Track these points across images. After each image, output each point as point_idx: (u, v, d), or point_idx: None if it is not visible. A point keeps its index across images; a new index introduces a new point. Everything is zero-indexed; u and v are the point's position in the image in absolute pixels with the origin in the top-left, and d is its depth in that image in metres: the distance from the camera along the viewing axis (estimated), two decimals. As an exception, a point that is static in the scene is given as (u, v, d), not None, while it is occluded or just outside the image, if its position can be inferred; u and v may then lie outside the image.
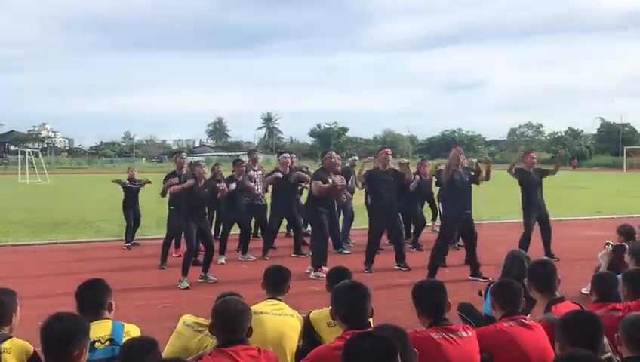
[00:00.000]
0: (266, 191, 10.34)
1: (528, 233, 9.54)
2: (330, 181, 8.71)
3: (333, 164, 9.00)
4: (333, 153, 9.38)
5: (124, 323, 3.39)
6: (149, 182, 11.22)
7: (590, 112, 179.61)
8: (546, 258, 4.25)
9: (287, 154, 10.55)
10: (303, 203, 10.26)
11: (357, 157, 12.33)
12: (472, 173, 8.47)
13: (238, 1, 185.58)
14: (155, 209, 14.30)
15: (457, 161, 8.27)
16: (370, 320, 3.31)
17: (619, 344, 2.92)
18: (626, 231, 6.97)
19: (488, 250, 9.32)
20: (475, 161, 9.19)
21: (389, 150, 9.32)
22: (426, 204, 11.84)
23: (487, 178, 8.48)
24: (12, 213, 17.37)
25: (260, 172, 10.17)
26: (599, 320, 2.92)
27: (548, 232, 9.72)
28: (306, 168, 11.50)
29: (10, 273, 8.62)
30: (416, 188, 10.58)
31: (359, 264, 8.68)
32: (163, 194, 9.35)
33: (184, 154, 10.04)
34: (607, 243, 6.78)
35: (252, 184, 9.76)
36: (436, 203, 11.47)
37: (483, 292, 5.15)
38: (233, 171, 9.88)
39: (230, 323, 3.04)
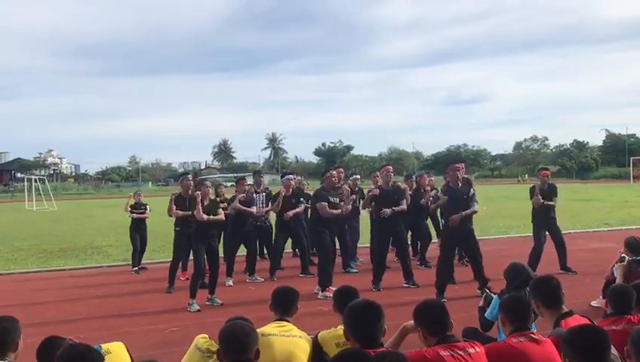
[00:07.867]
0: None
1: (539, 246, 9.51)
2: (336, 204, 8.79)
3: (334, 183, 9.01)
4: (334, 172, 9.26)
5: (102, 345, 3.32)
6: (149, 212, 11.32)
7: (595, 124, 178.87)
8: (548, 274, 4.21)
9: (291, 176, 10.55)
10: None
11: (358, 176, 12.34)
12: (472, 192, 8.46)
13: (241, 23, 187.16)
14: (161, 231, 14.35)
15: (456, 179, 8.30)
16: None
17: (628, 357, 2.89)
18: (633, 243, 6.91)
19: (497, 265, 9.23)
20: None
21: (390, 167, 9.38)
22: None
23: None
24: (19, 240, 17.46)
25: (264, 194, 10.14)
26: (605, 334, 2.88)
27: (562, 247, 9.70)
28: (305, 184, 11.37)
29: (18, 300, 8.60)
30: (425, 203, 10.56)
31: (367, 282, 8.64)
32: (169, 214, 9.39)
33: (190, 176, 10.05)
34: (623, 257, 6.67)
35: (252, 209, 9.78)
36: (439, 218, 11.43)
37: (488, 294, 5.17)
38: (236, 191, 9.91)
39: (237, 345, 3.03)
